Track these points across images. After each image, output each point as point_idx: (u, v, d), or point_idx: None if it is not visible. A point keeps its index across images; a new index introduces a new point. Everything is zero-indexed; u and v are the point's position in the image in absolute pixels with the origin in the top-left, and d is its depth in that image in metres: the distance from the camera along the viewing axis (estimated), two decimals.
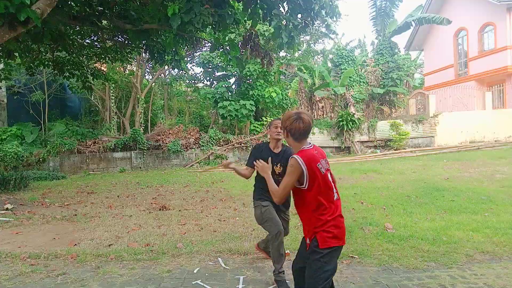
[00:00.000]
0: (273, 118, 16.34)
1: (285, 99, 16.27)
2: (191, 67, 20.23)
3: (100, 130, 16.53)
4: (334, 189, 2.31)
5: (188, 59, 18.53)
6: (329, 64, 20.46)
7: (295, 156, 2.24)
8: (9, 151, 12.05)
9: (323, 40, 23.20)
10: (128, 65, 15.90)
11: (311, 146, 2.33)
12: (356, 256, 3.93)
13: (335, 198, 2.30)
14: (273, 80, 16.70)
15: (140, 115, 17.24)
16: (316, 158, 2.27)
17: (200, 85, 20.30)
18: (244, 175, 3.48)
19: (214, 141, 14.74)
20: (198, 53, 18.10)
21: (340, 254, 2.35)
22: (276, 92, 15.00)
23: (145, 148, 14.18)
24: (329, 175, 2.31)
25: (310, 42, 21.27)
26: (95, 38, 9.91)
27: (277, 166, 3.32)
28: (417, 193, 6.95)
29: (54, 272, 3.73)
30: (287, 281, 3.26)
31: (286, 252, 4.10)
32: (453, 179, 8.29)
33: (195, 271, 3.69)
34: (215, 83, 16.90)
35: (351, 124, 15.15)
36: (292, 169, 2.21)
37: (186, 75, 19.80)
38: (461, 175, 8.79)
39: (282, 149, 3.44)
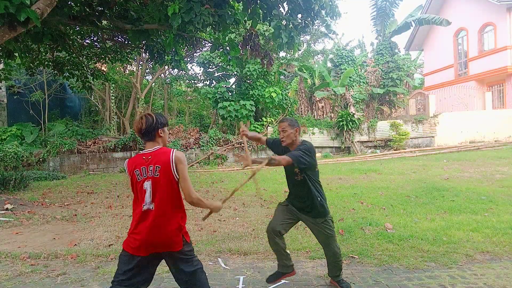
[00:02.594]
0: (273, 118, 16.36)
1: (285, 99, 16.27)
2: (191, 67, 20.24)
3: (100, 130, 16.54)
4: (148, 200, 2.18)
5: (188, 59, 18.54)
6: (329, 64, 20.45)
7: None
8: (9, 151, 12.05)
9: (323, 40, 23.22)
10: (128, 65, 15.90)
11: (149, 150, 2.26)
12: (356, 256, 3.93)
13: (143, 209, 2.19)
14: (273, 80, 16.70)
15: None
16: (137, 164, 2.22)
17: (200, 85, 20.31)
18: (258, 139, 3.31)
19: (214, 141, 14.74)
20: (198, 53, 18.11)
21: (133, 265, 2.19)
22: (276, 92, 15.00)
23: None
24: (147, 185, 2.18)
25: (310, 42, 21.27)
26: (95, 38, 9.91)
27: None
28: (417, 193, 6.94)
29: (54, 272, 3.73)
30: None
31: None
32: (453, 179, 8.29)
33: None
34: (215, 82, 16.90)
35: (351, 124, 15.15)
36: None
37: (186, 75, 19.80)
38: (461, 175, 8.79)
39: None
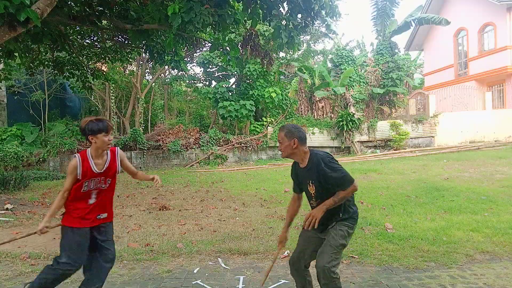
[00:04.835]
0: (273, 118, 16.36)
1: (285, 99, 16.26)
2: (191, 67, 20.22)
3: None
4: None
5: (188, 59, 18.52)
6: (329, 64, 20.44)
7: None
8: (9, 151, 12.05)
9: (323, 40, 23.19)
10: (128, 65, 15.90)
11: None
12: (356, 256, 3.93)
13: None
14: (273, 80, 16.68)
15: (140, 115, 17.24)
16: None
17: (200, 85, 20.30)
18: None
19: (214, 141, 14.74)
20: (198, 53, 18.10)
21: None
22: (276, 92, 14.99)
23: (145, 148, 14.18)
24: None
25: (310, 42, 21.26)
26: (95, 38, 9.92)
27: (310, 185, 2.50)
28: (417, 193, 6.95)
29: None
30: None
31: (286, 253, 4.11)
32: (453, 179, 8.28)
33: (195, 271, 3.69)
34: (215, 82, 16.89)
35: (351, 124, 15.14)
36: None
37: (186, 75, 19.80)
38: (461, 175, 8.79)
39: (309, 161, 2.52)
